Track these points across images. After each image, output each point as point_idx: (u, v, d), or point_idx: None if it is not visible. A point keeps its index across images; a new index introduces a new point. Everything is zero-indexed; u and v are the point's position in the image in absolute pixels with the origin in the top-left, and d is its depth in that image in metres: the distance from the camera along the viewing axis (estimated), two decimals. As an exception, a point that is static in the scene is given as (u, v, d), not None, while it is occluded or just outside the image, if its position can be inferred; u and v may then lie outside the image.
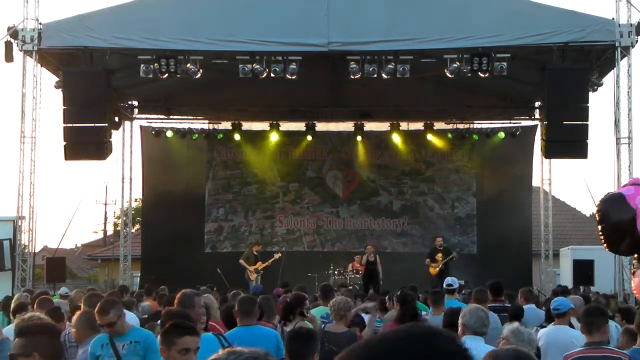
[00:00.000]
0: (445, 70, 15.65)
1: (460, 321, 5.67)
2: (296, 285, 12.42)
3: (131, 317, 7.35)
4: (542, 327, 7.94)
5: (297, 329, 4.96)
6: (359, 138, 21.76)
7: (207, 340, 5.42)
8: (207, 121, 22.60)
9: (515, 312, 8.77)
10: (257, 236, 21.56)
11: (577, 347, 6.75)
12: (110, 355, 5.73)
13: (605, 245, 3.61)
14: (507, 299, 10.66)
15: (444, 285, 10.95)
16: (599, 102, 22.09)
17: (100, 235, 47.49)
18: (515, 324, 5.27)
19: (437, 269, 17.81)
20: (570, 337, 7.03)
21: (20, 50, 15.77)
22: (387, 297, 10.55)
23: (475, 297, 9.21)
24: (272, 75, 15.61)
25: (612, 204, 3.33)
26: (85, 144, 15.95)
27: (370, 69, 15.58)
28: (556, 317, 7.49)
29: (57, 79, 16.35)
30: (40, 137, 16.40)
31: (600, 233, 3.47)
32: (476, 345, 5.43)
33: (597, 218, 3.50)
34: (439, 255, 18.07)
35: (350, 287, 17.02)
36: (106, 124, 16.08)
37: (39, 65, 16.17)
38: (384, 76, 15.69)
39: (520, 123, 21.92)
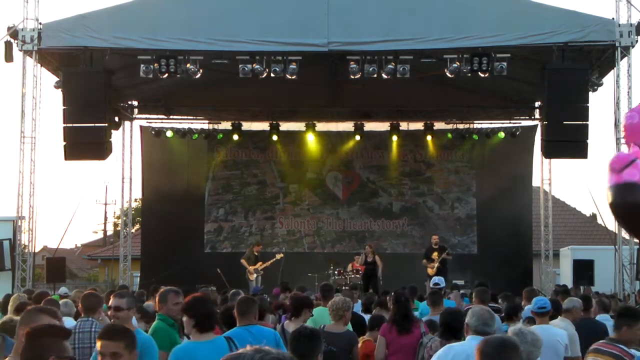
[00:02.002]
0: (445, 70, 15.64)
1: (465, 320, 5.71)
2: (296, 285, 12.43)
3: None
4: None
5: (301, 328, 4.94)
6: (358, 138, 21.77)
7: (218, 345, 5.39)
8: (207, 121, 22.61)
9: (511, 311, 8.81)
10: (257, 237, 21.55)
11: (561, 346, 7.14)
12: None
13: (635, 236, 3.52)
14: (504, 300, 10.68)
15: (431, 285, 11.00)
16: (599, 102, 22.14)
17: (100, 235, 47.55)
18: (519, 325, 5.23)
19: (434, 268, 17.74)
20: (555, 335, 7.16)
21: (20, 50, 15.76)
22: (387, 297, 10.56)
23: (477, 296, 9.21)
24: (272, 75, 15.60)
25: (635, 194, 3.24)
26: (85, 144, 15.91)
27: (370, 69, 15.56)
28: (540, 316, 7.58)
29: (57, 79, 16.34)
30: (40, 137, 16.42)
31: (629, 227, 3.35)
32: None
33: (623, 212, 3.34)
34: (435, 254, 18.05)
35: (356, 288, 17.02)
36: (106, 124, 16.05)
37: (38, 65, 16.16)
38: (384, 76, 15.68)
39: (520, 123, 21.91)
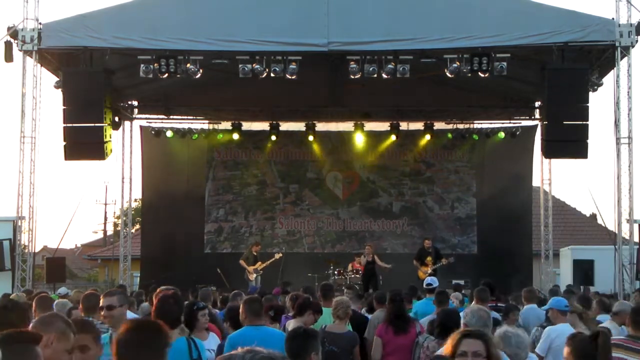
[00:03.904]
0: (445, 70, 15.64)
1: (462, 321, 5.70)
2: (302, 285, 12.38)
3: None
4: (543, 327, 7.96)
5: (295, 328, 5.00)
6: (358, 138, 21.76)
7: (177, 345, 5.35)
8: (207, 121, 22.60)
9: (509, 310, 8.84)
10: (257, 237, 21.54)
11: None
12: (107, 354, 5.74)
13: None
14: (502, 299, 10.70)
15: (424, 285, 11.03)
16: (599, 102, 22.09)
17: (100, 235, 47.60)
18: (504, 328, 5.22)
19: (426, 274, 17.58)
20: None
21: (20, 50, 15.74)
22: (374, 297, 10.56)
23: (477, 296, 9.22)
24: (272, 75, 15.59)
25: None
26: (85, 144, 15.91)
27: (370, 69, 15.56)
28: (564, 314, 7.58)
29: (57, 79, 16.32)
30: (40, 137, 16.37)
31: None
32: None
33: None
34: (429, 259, 18.01)
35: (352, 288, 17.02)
36: (106, 124, 16.06)
37: (38, 65, 16.13)
38: (384, 76, 15.67)
39: (520, 123, 21.92)
